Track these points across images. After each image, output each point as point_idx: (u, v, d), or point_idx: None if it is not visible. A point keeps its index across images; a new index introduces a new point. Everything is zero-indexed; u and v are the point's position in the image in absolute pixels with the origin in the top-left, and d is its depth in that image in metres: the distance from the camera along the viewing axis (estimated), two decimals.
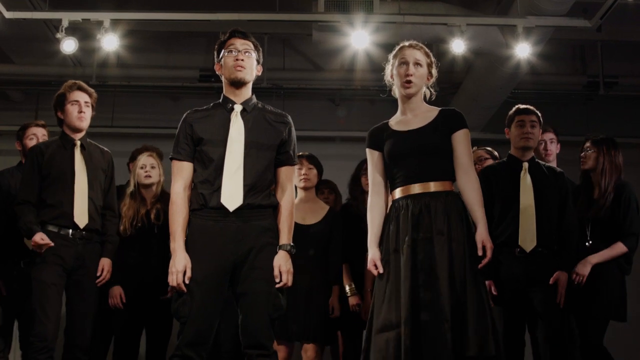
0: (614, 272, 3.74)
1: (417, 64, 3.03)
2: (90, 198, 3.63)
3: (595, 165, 3.83)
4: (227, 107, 2.94)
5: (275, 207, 2.91)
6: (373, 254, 2.96)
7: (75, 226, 3.56)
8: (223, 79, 2.99)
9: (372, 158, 3.10)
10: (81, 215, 3.58)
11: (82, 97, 3.70)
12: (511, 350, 3.48)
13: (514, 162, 3.66)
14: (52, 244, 3.46)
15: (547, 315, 3.46)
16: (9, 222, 4.00)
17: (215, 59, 3.02)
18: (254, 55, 2.96)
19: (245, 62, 2.91)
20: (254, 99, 3.00)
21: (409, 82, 3.00)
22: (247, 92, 2.97)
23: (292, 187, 3.00)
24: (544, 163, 3.78)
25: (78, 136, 3.71)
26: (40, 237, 3.44)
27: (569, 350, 3.75)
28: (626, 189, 3.79)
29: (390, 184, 3.05)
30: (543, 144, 4.24)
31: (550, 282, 3.45)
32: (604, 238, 3.76)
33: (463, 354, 2.74)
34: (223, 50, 2.96)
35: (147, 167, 4.16)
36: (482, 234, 2.87)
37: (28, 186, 3.61)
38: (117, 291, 3.98)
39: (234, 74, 2.91)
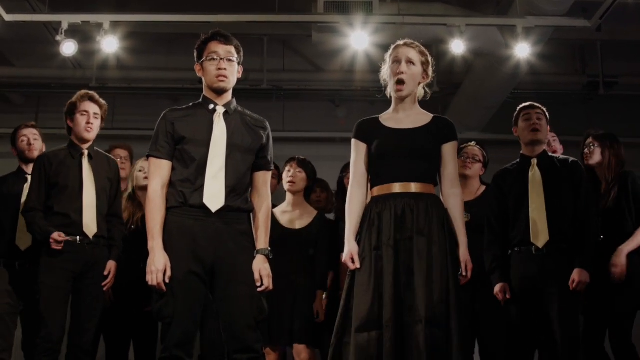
0: (636, 261, 3.70)
1: (410, 62, 3.01)
2: (97, 207, 3.68)
3: (601, 160, 3.83)
4: (208, 107, 2.93)
5: (250, 212, 2.92)
6: (351, 247, 2.92)
7: (83, 234, 3.61)
8: (204, 81, 2.97)
9: (358, 150, 3.07)
10: (90, 225, 3.63)
11: (92, 108, 3.74)
12: (523, 351, 3.47)
13: (524, 160, 3.64)
14: (69, 239, 3.53)
15: (563, 319, 3.37)
16: (1, 226, 4.02)
17: (195, 59, 2.98)
18: (236, 60, 2.94)
19: (228, 70, 2.90)
20: (234, 102, 2.99)
21: (400, 81, 2.99)
22: (228, 95, 2.97)
23: (269, 192, 2.99)
24: (557, 156, 3.75)
25: (85, 146, 3.76)
26: (58, 234, 3.50)
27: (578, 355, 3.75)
28: (630, 176, 3.78)
29: (373, 179, 3.03)
30: (547, 141, 4.25)
31: (571, 286, 3.35)
32: (614, 229, 3.73)
33: (449, 357, 2.75)
34: (204, 55, 2.92)
35: (145, 170, 4.17)
36: (464, 255, 2.92)
37: (36, 194, 3.67)
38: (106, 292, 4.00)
39: (217, 83, 2.90)
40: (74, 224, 3.59)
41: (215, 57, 2.89)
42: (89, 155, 3.75)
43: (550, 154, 3.71)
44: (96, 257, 3.65)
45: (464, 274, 2.90)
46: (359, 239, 2.95)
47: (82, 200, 3.64)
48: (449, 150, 3.02)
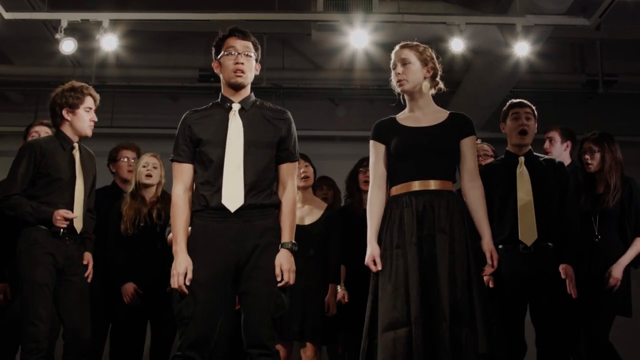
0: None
1: (405, 61, 3.04)
2: (84, 202, 3.64)
3: (602, 164, 3.80)
4: (225, 106, 2.92)
5: (277, 206, 2.90)
6: (373, 249, 2.94)
7: (69, 227, 3.53)
8: (222, 78, 2.97)
9: (377, 151, 3.08)
10: (79, 220, 3.58)
11: (93, 104, 3.70)
12: (512, 349, 3.47)
13: (510, 157, 3.66)
14: (76, 216, 3.49)
15: (555, 314, 3.42)
16: (10, 227, 4.01)
17: (213, 56, 2.99)
18: (253, 56, 2.93)
19: (245, 65, 2.89)
20: (253, 97, 2.98)
21: (399, 81, 3.04)
22: (245, 92, 2.96)
23: (294, 184, 2.97)
24: (542, 156, 3.77)
25: (76, 139, 3.70)
26: (65, 212, 3.45)
27: (574, 348, 3.75)
28: (634, 183, 3.80)
29: (393, 178, 3.04)
30: (544, 141, 4.25)
31: (563, 277, 3.40)
32: (614, 233, 3.74)
33: (475, 352, 2.75)
34: (222, 50, 2.92)
35: (149, 166, 4.16)
36: (489, 244, 2.94)
37: (21, 180, 3.53)
38: (130, 288, 4.01)
39: (234, 78, 2.89)
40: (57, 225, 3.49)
41: (232, 52, 2.89)
42: (79, 149, 3.70)
43: (535, 153, 3.71)
44: (75, 252, 3.59)
45: (489, 262, 2.92)
46: (379, 238, 2.96)
47: (74, 195, 3.58)
48: (467, 144, 3.04)
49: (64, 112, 3.66)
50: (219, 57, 2.95)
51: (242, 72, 2.88)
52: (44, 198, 3.53)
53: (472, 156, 3.04)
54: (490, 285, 3.49)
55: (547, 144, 4.30)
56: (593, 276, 3.69)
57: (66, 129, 3.68)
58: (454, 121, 3.06)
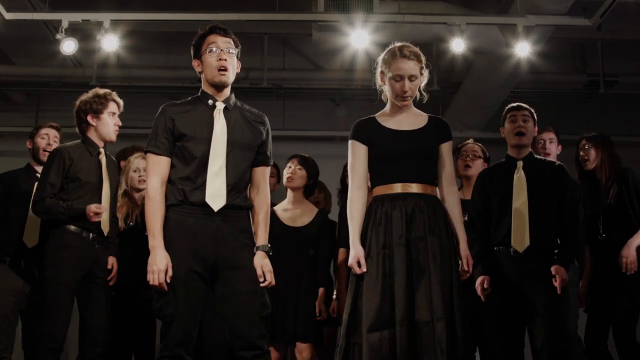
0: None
1: (412, 77, 3.01)
2: (110, 206, 3.71)
3: (597, 160, 3.85)
4: (208, 103, 2.89)
5: (250, 209, 2.90)
6: (357, 250, 2.91)
7: (98, 231, 3.61)
8: (203, 76, 2.93)
9: (358, 151, 3.06)
10: (105, 223, 3.64)
11: (117, 109, 3.75)
12: (510, 350, 3.47)
13: (509, 161, 3.64)
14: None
15: (548, 315, 3.40)
16: (9, 223, 4.01)
17: (193, 54, 2.94)
18: (234, 52, 2.91)
19: (229, 62, 2.86)
20: (233, 97, 2.96)
21: (406, 97, 3.03)
22: (227, 90, 2.94)
23: (267, 188, 2.97)
24: (543, 158, 3.76)
25: (101, 144, 3.75)
26: (95, 206, 3.49)
27: (571, 350, 3.74)
28: (629, 172, 3.81)
29: (376, 179, 3.04)
30: (542, 142, 4.24)
31: (555, 283, 3.35)
32: (617, 225, 3.74)
33: (455, 354, 2.80)
34: (203, 47, 2.88)
35: (141, 172, 4.16)
36: (465, 250, 3.00)
37: (51, 186, 3.58)
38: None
39: (218, 77, 2.86)
40: (91, 220, 3.55)
41: (214, 49, 2.85)
42: (105, 154, 3.77)
43: (536, 155, 3.70)
44: (102, 256, 3.65)
45: (465, 268, 2.98)
46: (364, 239, 2.96)
47: (102, 198, 3.64)
48: (446, 149, 3.08)
49: (89, 118, 3.71)
50: (199, 55, 2.91)
51: (226, 69, 2.85)
52: (75, 203, 3.58)
53: (449, 161, 3.09)
54: (485, 285, 3.49)
55: (547, 145, 4.28)
56: (606, 275, 3.69)
57: (92, 135, 3.73)
58: (434, 126, 3.08)
